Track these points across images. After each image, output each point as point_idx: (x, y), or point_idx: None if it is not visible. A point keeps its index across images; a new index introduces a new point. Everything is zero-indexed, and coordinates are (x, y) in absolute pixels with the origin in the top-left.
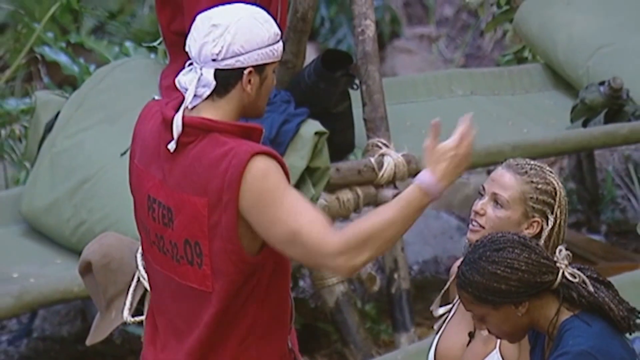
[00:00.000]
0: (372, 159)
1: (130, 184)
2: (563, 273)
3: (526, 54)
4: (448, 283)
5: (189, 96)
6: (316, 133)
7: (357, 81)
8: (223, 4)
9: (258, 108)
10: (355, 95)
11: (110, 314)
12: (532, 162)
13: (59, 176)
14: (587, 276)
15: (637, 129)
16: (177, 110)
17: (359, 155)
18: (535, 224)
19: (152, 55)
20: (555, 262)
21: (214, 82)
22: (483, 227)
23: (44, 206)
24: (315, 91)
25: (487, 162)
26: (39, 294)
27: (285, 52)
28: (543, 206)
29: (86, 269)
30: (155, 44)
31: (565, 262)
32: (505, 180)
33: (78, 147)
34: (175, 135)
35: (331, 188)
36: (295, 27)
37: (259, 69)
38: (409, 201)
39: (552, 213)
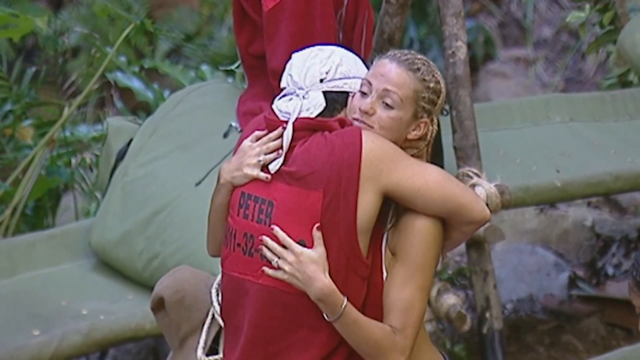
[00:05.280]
0: None
1: None
2: None
3: (631, 77)
4: None
5: (294, 115)
6: None
7: (446, 107)
8: (304, 23)
9: None
10: (444, 122)
11: (184, 352)
12: (419, 56)
13: (131, 207)
14: None
15: None
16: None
17: None
18: (422, 125)
19: (230, 79)
20: None
21: (323, 103)
22: (372, 127)
23: (115, 239)
24: None
25: (587, 194)
26: (109, 331)
27: None
28: (431, 106)
29: (159, 305)
30: (233, 67)
31: None
32: (398, 77)
33: (151, 176)
34: (285, 145)
35: None
36: (382, 49)
37: None
38: None
39: (435, 113)
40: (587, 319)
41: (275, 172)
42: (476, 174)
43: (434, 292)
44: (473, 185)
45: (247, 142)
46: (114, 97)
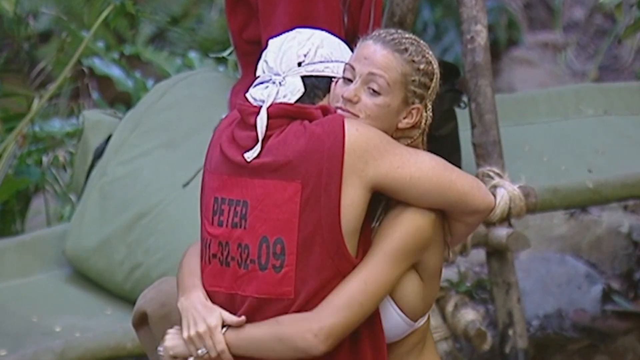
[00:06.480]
0: None
1: (200, 195)
2: None
3: None
4: None
5: (267, 103)
6: None
7: (465, 98)
8: (305, 4)
9: None
10: (462, 116)
11: None
12: (407, 35)
13: (111, 211)
14: None
15: None
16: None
17: None
18: (414, 112)
19: (221, 68)
20: None
21: (302, 89)
22: (357, 116)
23: (92, 246)
24: None
25: (623, 196)
26: (86, 350)
27: None
28: (423, 90)
29: (141, 321)
30: (224, 54)
31: None
32: (383, 59)
33: (133, 176)
34: (260, 133)
35: None
36: None
37: None
38: None
39: (429, 98)
40: (623, 337)
41: (250, 169)
42: (498, 174)
43: (450, 307)
44: (494, 187)
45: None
46: (91, 87)
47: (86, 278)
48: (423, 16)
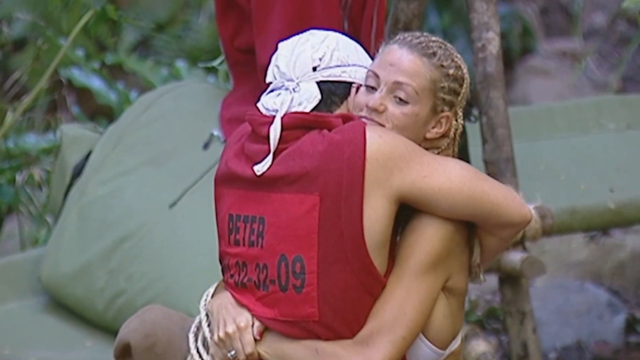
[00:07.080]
0: None
1: (215, 213)
2: None
3: None
4: None
5: (281, 112)
6: None
7: (475, 111)
8: (302, 9)
9: None
10: (473, 130)
11: None
12: (434, 38)
13: (91, 234)
14: None
15: None
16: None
17: None
18: (444, 120)
19: (211, 79)
20: None
21: (318, 95)
22: (383, 126)
23: (71, 272)
24: None
25: None
26: None
27: None
28: (453, 97)
29: (124, 353)
30: (214, 63)
31: None
32: (410, 66)
33: (115, 196)
34: (273, 144)
35: None
36: None
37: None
38: None
39: (459, 105)
40: None
41: (265, 182)
42: None
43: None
44: None
45: None
46: (69, 99)
47: (64, 307)
48: (430, 22)
